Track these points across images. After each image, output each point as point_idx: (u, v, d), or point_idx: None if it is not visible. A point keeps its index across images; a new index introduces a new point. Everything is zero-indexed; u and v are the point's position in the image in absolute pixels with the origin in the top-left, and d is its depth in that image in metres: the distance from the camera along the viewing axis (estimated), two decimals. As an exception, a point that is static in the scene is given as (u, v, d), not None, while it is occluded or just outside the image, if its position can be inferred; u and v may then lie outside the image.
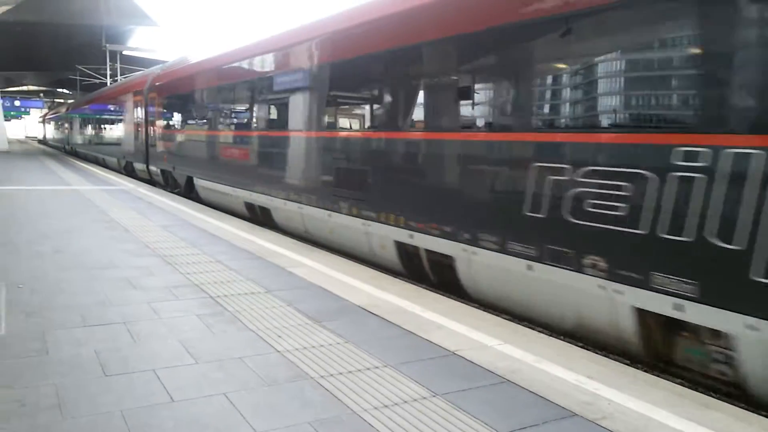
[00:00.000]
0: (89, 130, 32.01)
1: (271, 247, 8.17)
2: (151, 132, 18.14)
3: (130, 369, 3.86)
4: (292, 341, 4.48)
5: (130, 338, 4.44)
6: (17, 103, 56.08)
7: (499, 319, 5.27)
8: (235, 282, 6.19)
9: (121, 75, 41.21)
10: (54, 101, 75.51)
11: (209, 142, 13.33)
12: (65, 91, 71.83)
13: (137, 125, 19.84)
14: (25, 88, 71.73)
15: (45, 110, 75.23)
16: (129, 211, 11.36)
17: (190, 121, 14.93)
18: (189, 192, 15.07)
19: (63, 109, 49.32)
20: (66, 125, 42.88)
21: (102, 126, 28.06)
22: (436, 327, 4.88)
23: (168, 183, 17.27)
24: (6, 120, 45.24)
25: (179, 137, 15.70)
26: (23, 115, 65.50)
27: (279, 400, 3.47)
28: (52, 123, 57.00)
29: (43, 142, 67.87)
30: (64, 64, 48.45)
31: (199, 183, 14.06)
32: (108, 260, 6.97)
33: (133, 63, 43.72)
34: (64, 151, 42.53)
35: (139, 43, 42.85)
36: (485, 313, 5.48)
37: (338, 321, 5.00)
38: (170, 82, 16.41)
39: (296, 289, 6.01)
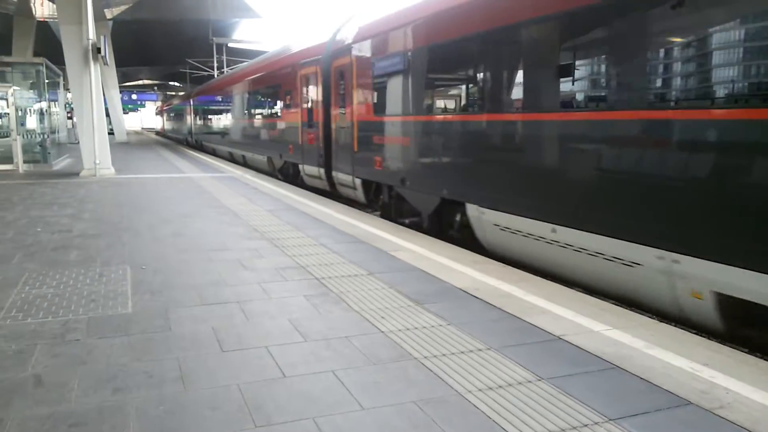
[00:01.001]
0: (221, 120, 26.23)
1: (374, 231, 8.31)
2: (341, 118, 11.64)
3: (244, 345, 4.08)
4: (395, 322, 4.57)
5: (243, 317, 4.68)
6: (134, 96, 59.85)
7: (604, 303, 5.12)
8: (339, 264, 6.36)
9: (227, 66, 42.96)
10: (166, 93, 79.76)
11: (545, 138, 6.33)
12: (176, 84, 75.84)
13: (307, 110, 13.69)
14: (140, 82, 76.36)
15: (159, 102, 76.29)
16: (237, 196, 11.90)
17: (471, 100, 7.70)
18: (442, 226, 8.68)
19: (178, 100, 46.54)
20: (188, 115, 38.01)
21: (241, 113, 21.65)
22: (540, 311, 4.82)
23: (374, 200, 10.78)
24: (124, 113, 48.36)
25: (422, 128, 8.64)
26: (139, 108, 69.69)
27: (384, 379, 3.56)
28: (171, 113, 52.14)
29: (162, 134, 63.06)
30: (174, 58, 51.21)
31: (492, 218, 7.18)
32: (221, 243, 7.36)
33: (238, 55, 45.47)
34: (186, 143, 38.37)
35: (244, 35, 44.50)
36: (589, 297, 5.34)
37: (440, 303, 5.03)
38: (398, 33, 9.16)
39: (398, 271, 6.10)
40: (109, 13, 32.06)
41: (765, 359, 4.16)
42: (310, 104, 13.61)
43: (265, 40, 57.58)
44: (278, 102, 16.51)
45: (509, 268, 6.38)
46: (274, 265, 6.29)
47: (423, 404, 3.23)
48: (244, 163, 21.36)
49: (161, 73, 66.58)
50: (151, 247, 7.17)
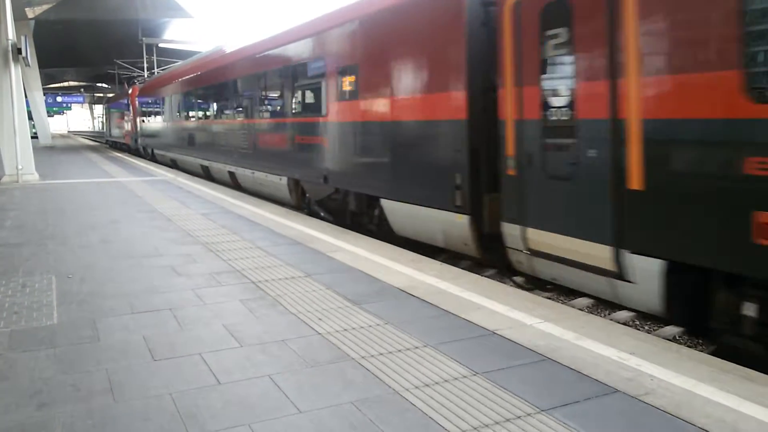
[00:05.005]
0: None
1: (311, 232, 8.26)
2: None
3: (177, 353, 3.98)
4: (332, 323, 4.56)
5: (176, 324, 4.57)
6: (59, 99, 57.48)
7: (537, 297, 5.25)
8: (276, 267, 6.29)
9: (157, 67, 41.84)
10: (93, 95, 77.01)
11: None
12: (104, 85, 73.35)
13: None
14: (66, 84, 73.46)
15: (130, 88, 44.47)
16: (170, 200, 11.61)
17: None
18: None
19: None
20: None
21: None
22: (475, 307, 4.90)
23: None
24: (49, 116, 46.37)
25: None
26: (65, 111, 67.00)
27: (322, 381, 3.54)
28: (159, 107, 23.79)
29: (128, 144, 32.97)
30: (102, 59, 49.55)
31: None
32: (152, 249, 7.16)
33: (169, 55, 44.36)
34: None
35: (175, 35, 43.44)
36: (523, 292, 5.47)
37: (378, 303, 5.05)
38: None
39: (336, 272, 6.08)
40: (30, 12, 30.68)
41: (687, 346, 4.36)
42: None
43: (198, 40, 56.37)
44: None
45: (446, 265, 6.46)
46: (209, 270, 6.17)
47: (360, 404, 3.24)
48: None
49: (88, 74, 64.25)
50: (79, 254, 6.90)
